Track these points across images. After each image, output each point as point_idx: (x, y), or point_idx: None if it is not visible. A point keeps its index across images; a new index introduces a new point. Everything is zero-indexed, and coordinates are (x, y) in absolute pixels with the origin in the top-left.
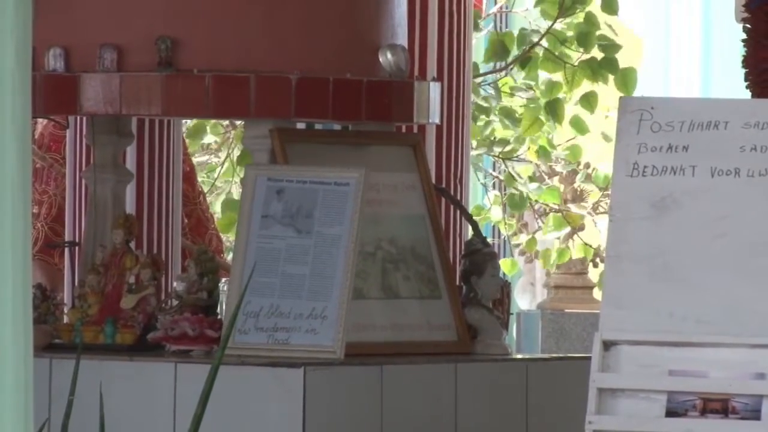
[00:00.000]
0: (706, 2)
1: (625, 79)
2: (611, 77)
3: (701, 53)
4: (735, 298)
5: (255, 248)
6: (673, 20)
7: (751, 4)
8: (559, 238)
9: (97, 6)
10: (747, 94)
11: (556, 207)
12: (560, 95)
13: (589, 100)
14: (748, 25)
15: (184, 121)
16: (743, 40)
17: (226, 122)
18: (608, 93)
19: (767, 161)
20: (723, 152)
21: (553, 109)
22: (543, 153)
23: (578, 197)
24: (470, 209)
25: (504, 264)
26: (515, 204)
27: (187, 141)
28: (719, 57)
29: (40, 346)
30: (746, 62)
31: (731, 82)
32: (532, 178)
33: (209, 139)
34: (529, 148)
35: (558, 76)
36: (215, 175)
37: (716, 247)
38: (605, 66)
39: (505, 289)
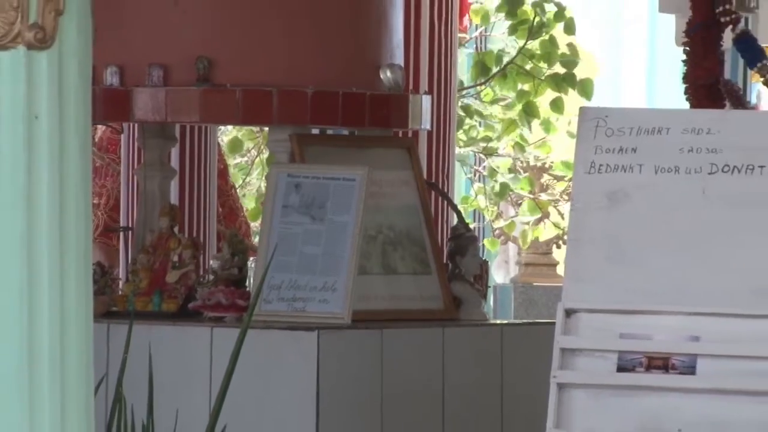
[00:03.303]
0: (652, 27)
1: (585, 89)
2: (571, 89)
3: (647, 70)
4: (675, 275)
5: (277, 232)
6: (624, 42)
7: (689, 30)
8: (528, 223)
9: (147, 31)
10: (686, 105)
11: (530, 195)
12: (533, 99)
13: (557, 104)
14: (687, 48)
15: (219, 127)
16: (683, 60)
17: (257, 130)
18: (574, 100)
19: (702, 161)
20: (665, 153)
21: (530, 110)
22: (518, 147)
23: (544, 188)
24: (456, 200)
25: (488, 243)
26: (497, 193)
27: (224, 149)
28: (662, 73)
29: (99, 313)
30: (685, 79)
31: (672, 95)
32: (511, 170)
33: (246, 144)
34: (508, 145)
35: (528, 86)
36: (247, 174)
37: (660, 233)
38: (566, 79)
39: (483, 266)
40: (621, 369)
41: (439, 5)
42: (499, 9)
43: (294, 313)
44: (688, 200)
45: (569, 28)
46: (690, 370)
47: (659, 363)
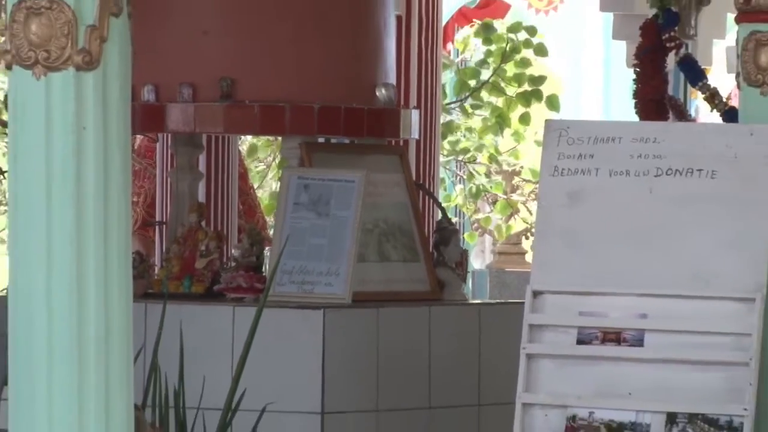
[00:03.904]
0: (607, 51)
1: (553, 102)
2: (538, 104)
3: (603, 88)
4: (626, 262)
5: (289, 226)
6: (583, 64)
7: (638, 54)
8: (501, 219)
9: (178, 55)
10: (636, 118)
11: (502, 196)
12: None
13: (525, 118)
14: (637, 69)
15: (239, 137)
16: (633, 80)
17: (272, 139)
18: (541, 113)
19: (649, 165)
20: (618, 159)
21: (503, 120)
22: (493, 158)
23: (515, 189)
24: (440, 198)
25: (467, 235)
26: (474, 194)
27: (244, 155)
28: (616, 91)
29: (137, 294)
30: (635, 95)
31: (625, 109)
32: (486, 175)
33: (263, 153)
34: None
35: (501, 101)
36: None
37: (613, 226)
38: (534, 95)
39: (464, 255)
40: (580, 342)
41: (426, 33)
42: (476, 35)
43: (303, 294)
44: (637, 199)
45: (541, 51)
46: (639, 342)
47: (612, 337)
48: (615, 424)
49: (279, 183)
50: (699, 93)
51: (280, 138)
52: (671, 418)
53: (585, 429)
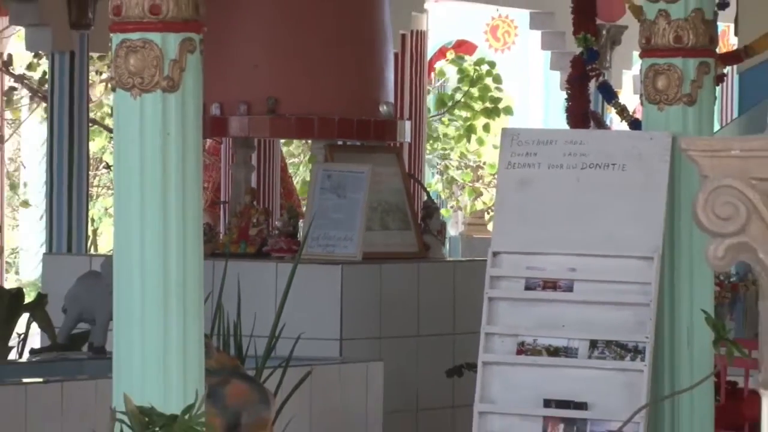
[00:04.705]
0: (546, 78)
1: (507, 111)
2: (497, 118)
3: (543, 105)
4: (560, 231)
5: (316, 205)
6: (530, 87)
7: (569, 80)
8: (469, 200)
9: (237, 81)
10: (567, 126)
11: (469, 183)
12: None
13: (486, 128)
14: (568, 91)
15: (280, 140)
16: (565, 99)
17: (304, 142)
18: (498, 125)
19: (576, 161)
20: (554, 156)
21: (470, 130)
22: (462, 156)
23: (479, 179)
24: (425, 184)
25: (444, 211)
26: (449, 182)
27: (284, 153)
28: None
29: (207, 254)
30: (567, 110)
31: (559, 120)
32: (458, 168)
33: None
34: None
35: (469, 115)
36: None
37: (550, 205)
38: (493, 112)
39: (443, 225)
40: (527, 288)
41: (415, 65)
42: (450, 62)
43: (326, 254)
44: (569, 185)
45: (497, 79)
46: (569, 289)
47: (550, 285)
48: (552, 348)
49: (309, 173)
50: (613, 108)
51: (310, 141)
52: (593, 344)
53: (530, 352)
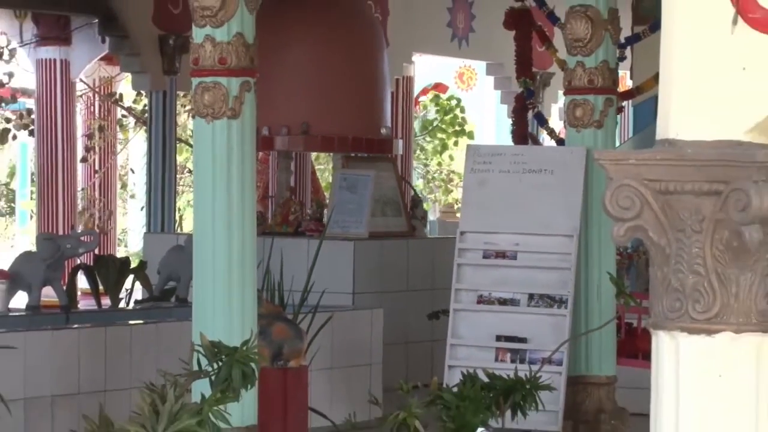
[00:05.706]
0: (498, 109)
1: (470, 135)
2: (463, 138)
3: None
4: (507, 216)
5: (337, 198)
6: (485, 115)
7: (514, 111)
8: (443, 196)
9: (280, 109)
10: (512, 143)
11: (443, 184)
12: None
13: (456, 144)
14: (513, 119)
15: (311, 153)
16: (511, 124)
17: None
18: (463, 143)
19: (519, 168)
20: (503, 164)
21: (444, 147)
22: (439, 165)
23: (450, 181)
24: (413, 184)
25: (426, 205)
26: (428, 183)
27: (314, 162)
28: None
29: (259, 233)
30: (512, 132)
31: (506, 139)
32: (435, 172)
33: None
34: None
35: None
36: (323, 173)
37: (501, 199)
38: (460, 133)
39: (425, 213)
40: (485, 257)
41: (405, 100)
42: (430, 101)
43: (343, 233)
44: (514, 185)
45: (463, 110)
46: (514, 258)
47: (501, 254)
48: (502, 300)
49: (331, 177)
50: (544, 131)
51: (332, 153)
52: (531, 297)
53: (487, 302)
